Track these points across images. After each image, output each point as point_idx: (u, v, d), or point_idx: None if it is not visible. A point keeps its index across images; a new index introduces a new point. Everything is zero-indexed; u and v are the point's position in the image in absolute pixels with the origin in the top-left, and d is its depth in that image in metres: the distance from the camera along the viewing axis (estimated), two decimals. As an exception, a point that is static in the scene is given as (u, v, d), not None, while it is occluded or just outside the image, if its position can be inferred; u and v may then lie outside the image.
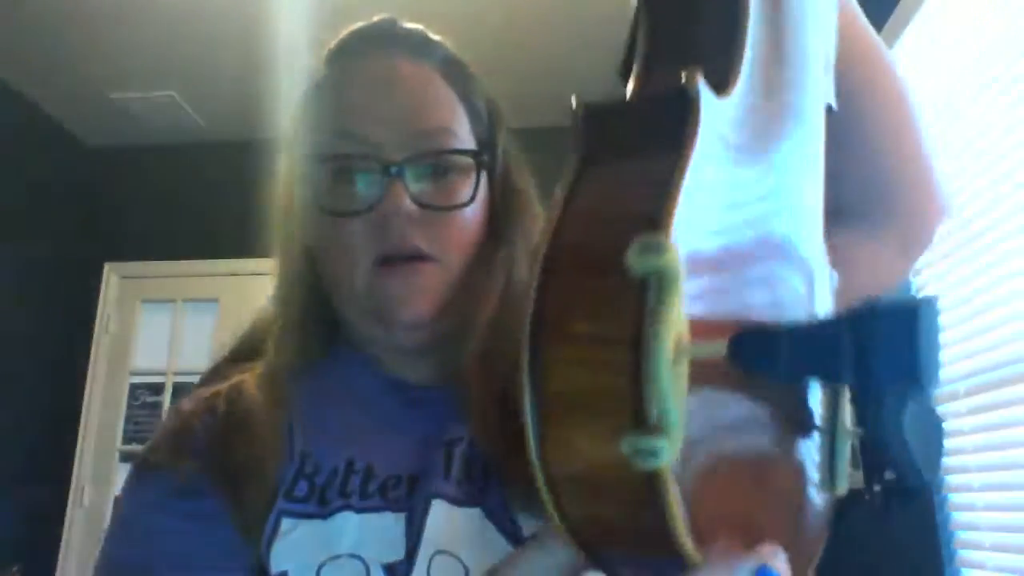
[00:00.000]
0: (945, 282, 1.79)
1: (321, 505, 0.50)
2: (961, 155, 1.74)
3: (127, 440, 3.24)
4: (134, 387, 3.32)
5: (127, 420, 3.27)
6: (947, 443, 1.82)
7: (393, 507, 0.50)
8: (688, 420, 0.20)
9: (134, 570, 0.50)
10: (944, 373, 1.79)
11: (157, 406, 3.27)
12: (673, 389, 0.19)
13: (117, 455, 3.21)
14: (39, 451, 3.14)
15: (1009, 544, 1.56)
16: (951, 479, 1.82)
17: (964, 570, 1.74)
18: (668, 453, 0.19)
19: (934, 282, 1.83)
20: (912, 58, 1.99)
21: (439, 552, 0.48)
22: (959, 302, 1.72)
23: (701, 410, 0.22)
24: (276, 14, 2.56)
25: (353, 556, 0.47)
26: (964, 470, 1.76)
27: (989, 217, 1.63)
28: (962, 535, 1.76)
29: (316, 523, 0.49)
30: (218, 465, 0.51)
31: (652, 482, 0.20)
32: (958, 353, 1.72)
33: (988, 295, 1.62)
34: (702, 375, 0.22)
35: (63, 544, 3.08)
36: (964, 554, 1.74)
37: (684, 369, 0.20)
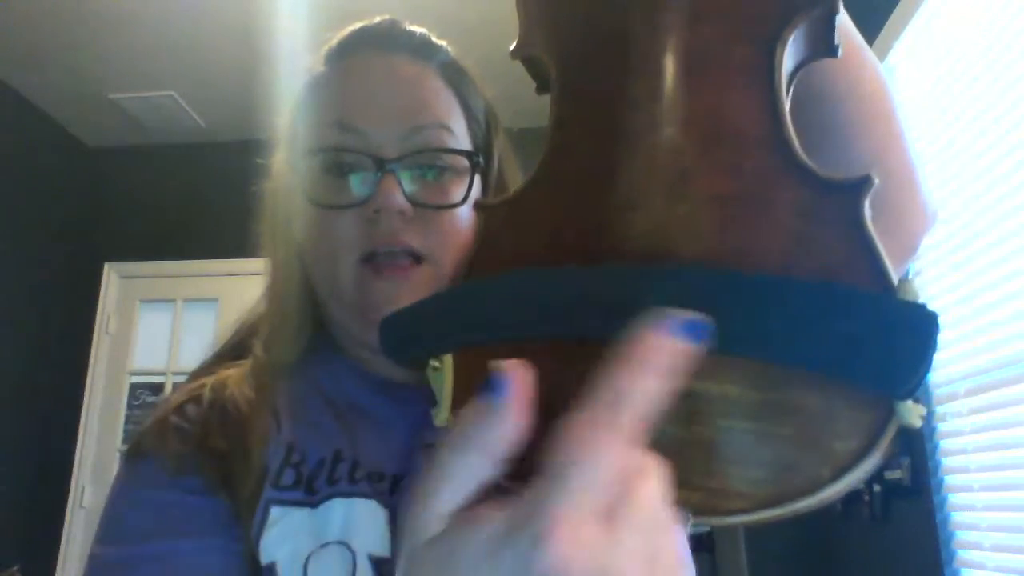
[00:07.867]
0: (945, 282, 1.79)
1: (309, 494, 0.50)
2: (961, 155, 1.74)
3: (127, 440, 3.23)
4: (134, 387, 3.32)
5: (127, 420, 3.27)
6: (947, 443, 1.82)
7: (380, 500, 0.50)
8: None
9: (135, 533, 0.49)
10: (944, 373, 1.79)
11: (157, 406, 3.27)
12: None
13: (117, 455, 3.21)
14: (39, 451, 3.14)
15: (1009, 544, 1.56)
16: (951, 479, 1.82)
17: (964, 570, 1.74)
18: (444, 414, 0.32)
19: (934, 282, 1.83)
20: (911, 59, 1.99)
21: None
22: (959, 302, 1.72)
23: None
24: (276, 14, 2.56)
25: (340, 543, 0.47)
26: (964, 470, 1.76)
27: (989, 217, 1.63)
28: (962, 535, 1.76)
29: (305, 511, 0.49)
30: (206, 449, 0.51)
31: None
32: (958, 353, 1.72)
33: (988, 295, 1.62)
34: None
35: (63, 544, 3.07)
36: (964, 554, 1.74)
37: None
